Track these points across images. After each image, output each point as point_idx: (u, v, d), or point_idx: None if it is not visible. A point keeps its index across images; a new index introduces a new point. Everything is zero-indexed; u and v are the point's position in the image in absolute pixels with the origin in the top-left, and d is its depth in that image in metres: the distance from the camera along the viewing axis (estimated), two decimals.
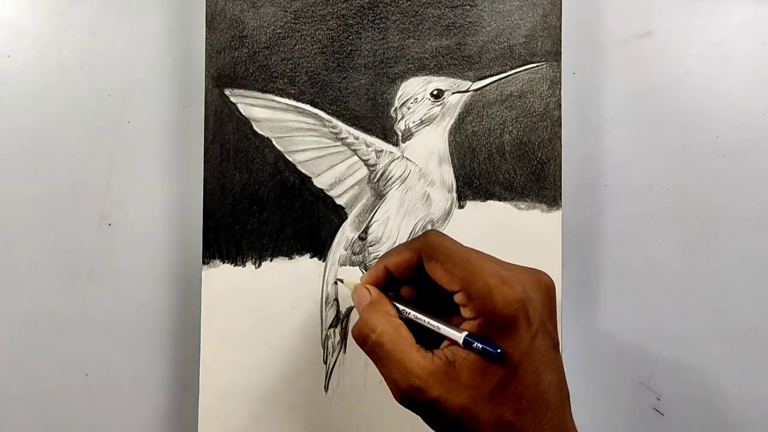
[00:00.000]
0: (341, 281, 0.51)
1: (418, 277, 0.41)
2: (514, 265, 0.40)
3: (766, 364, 0.56)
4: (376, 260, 0.44)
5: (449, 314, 0.40)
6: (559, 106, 0.52)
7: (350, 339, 0.51)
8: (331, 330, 0.51)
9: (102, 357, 0.53)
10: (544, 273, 0.40)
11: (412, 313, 0.40)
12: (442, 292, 0.39)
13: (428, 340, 0.39)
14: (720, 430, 0.56)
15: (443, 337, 0.39)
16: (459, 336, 0.38)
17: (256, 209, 0.51)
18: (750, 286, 0.56)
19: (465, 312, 0.38)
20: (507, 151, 0.52)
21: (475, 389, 0.36)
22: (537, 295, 0.38)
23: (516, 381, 0.36)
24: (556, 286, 0.40)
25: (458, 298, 0.38)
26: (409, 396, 0.37)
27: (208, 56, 0.51)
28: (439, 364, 0.37)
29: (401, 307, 0.41)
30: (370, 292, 0.42)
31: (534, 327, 0.37)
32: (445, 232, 0.51)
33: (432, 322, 0.39)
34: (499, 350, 0.36)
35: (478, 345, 0.37)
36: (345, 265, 0.51)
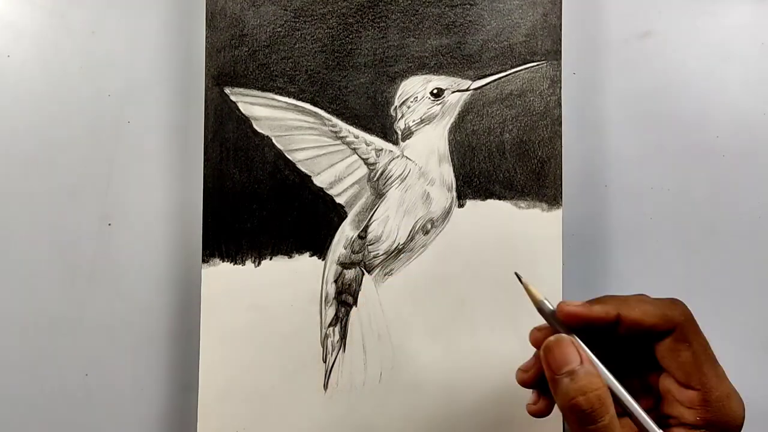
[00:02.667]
0: (521, 279, 0.42)
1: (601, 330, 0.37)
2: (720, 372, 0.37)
3: (767, 364, 0.56)
4: (607, 298, 0.39)
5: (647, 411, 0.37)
6: (560, 104, 0.52)
7: (350, 338, 0.51)
8: (331, 329, 0.51)
9: (102, 357, 0.53)
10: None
11: (613, 385, 0.36)
12: (635, 353, 0.37)
13: None
14: None
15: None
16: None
17: (256, 208, 0.51)
18: (750, 286, 0.56)
19: (689, 414, 0.36)
20: (507, 149, 0.52)
21: None
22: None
23: None
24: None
25: (690, 396, 0.36)
26: None
27: (208, 55, 0.51)
28: None
29: (602, 371, 0.36)
30: (580, 356, 0.36)
31: None
32: (445, 231, 0.51)
33: (637, 409, 0.36)
34: None
35: None
36: (345, 263, 0.51)
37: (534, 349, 0.40)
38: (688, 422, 0.35)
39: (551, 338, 0.36)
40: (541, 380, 0.39)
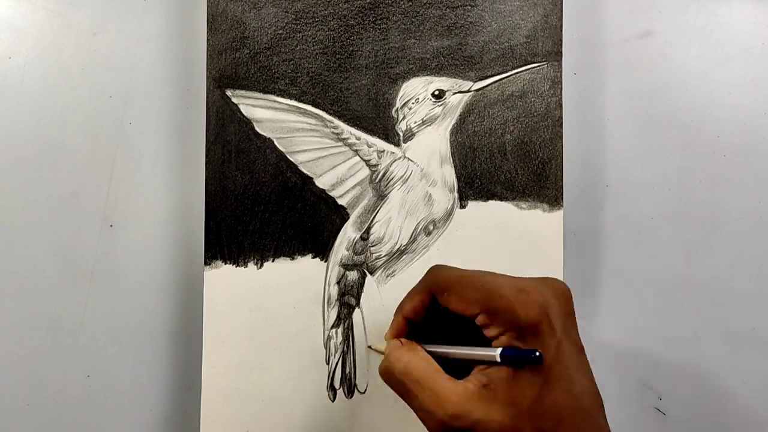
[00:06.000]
0: (370, 347, 0.51)
1: (438, 318, 0.41)
2: (528, 277, 0.39)
3: (767, 364, 0.56)
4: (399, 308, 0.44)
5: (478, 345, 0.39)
6: (560, 105, 0.52)
7: (352, 339, 0.51)
8: (333, 330, 0.51)
9: (104, 358, 0.53)
10: (559, 280, 0.39)
11: (442, 349, 0.40)
12: (466, 326, 0.39)
13: (457, 376, 0.38)
14: (721, 430, 0.56)
15: (470, 371, 0.38)
16: (495, 352, 0.37)
17: (258, 210, 0.51)
18: (751, 286, 0.56)
19: (489, 331, 0.38)
20: (508, 150, 0.52)
21: (514, 406, 0.36)
22: (555, 301, 0.37)
23: (551, 389, 0.36)
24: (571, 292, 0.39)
25: (480, 320, 0.38)
26: (447, 425, 0.36)
27: (209, 57, 0.51)
28: (473, 388, 0.37)
29: (430, 348, 0.40)
30: (400, 342, 0.41)
31: (558, 332, 0.36)
32: (446, 232, 0.51)
33: (464, 350, 0.39)
34: (537, 353, 0.35)
35: (517, 353, 0.36)
36: (347, 265, 0.51)
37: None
38: (492, 335, 0.38)
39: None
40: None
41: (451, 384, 0.37)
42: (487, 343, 0.38)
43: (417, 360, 0.39)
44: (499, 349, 0.37)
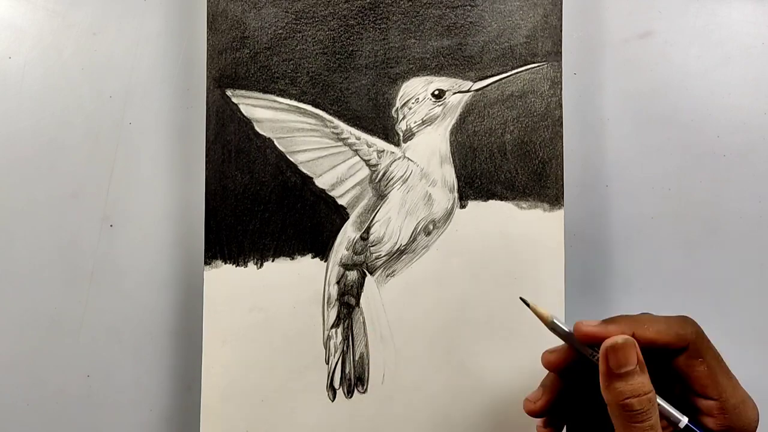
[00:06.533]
0: (531, 306, 0.43)
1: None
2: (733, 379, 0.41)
3: (767, 364, 0.56)
4: (620, 318, 0.41)
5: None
6: (560, 105, 0.52)
7: (352, 339, 0.51)
8: (333, 330, 0.51)
9: (104, 358, 0.53)
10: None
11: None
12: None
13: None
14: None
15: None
16: (683, 419, 0.39)
17: (258, 210, 0.51)
18: (751, 286, 0.56)
19: (709, 421, 0.39)
20: (508, 150, 0.52)
21: None
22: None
23: None
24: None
25: (706, 405, 0.39)
26: None
27: (209, 57, 0.51)
28: None
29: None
30: (638, 359, 0.38)
31: None
32: (446, 232, 0.51)
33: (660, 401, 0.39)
34: None
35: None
36: (347, 265, 0.51)
37: (537, 377, 0.43)
38: (709, 427, 0.39)
39: (618, 338, 0.38)
40: (550, 410, 0.42)
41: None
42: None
43: (655, 401, 0.38)
44: (686, 419, 0.39)
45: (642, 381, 0.37)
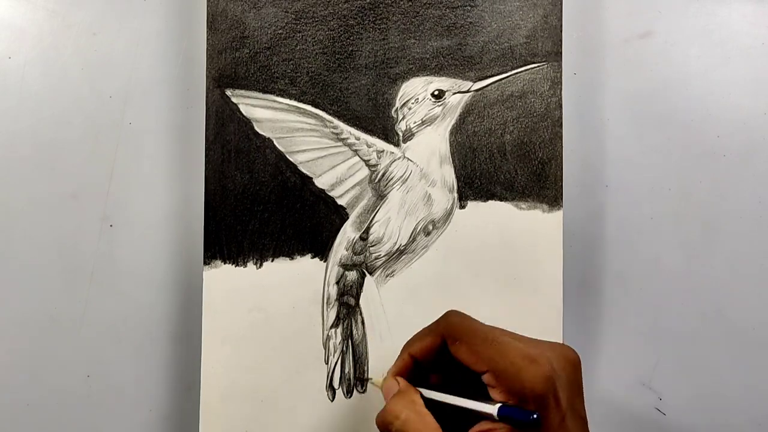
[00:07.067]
0: (370, 380, 0.51)
1: (443, 360, 0.40)
2: (539, 341, 0.39)
3: (767, 364, 0.56)
4: (404, 346, 0.43)
5: (478, 398, 0.39)
6: (560, 106, 0.52)
7: (351, 339, 0.51)
8: (333, 330, 0.51)
9: (103, 358, 0.53)
10: (570, 348, 0.39)
11: (441, 396, 0.39)
12: (469, 375, 0.39)
13: (457, 429, 0.38)
14: (721, 430, 0.56)
15: (472, 425, 0.38)
16: (493, 408, 0.37)
17: (258, 210, 0.51)
18: (751, 286, 0.56)
19: (494, 393, 0.37)
20: (508, 151, 0.52)
21: None
22: (563, 373, 0.37)
23: None
24: (580, 358, 0.39)
25: (486, 378, 0.38)
26: None
27: (209, 57, 0.51)
28: None
29: (428, 393, 0.40)
30: (398, 383, 0.41)
31: (563, 406, 0.36)
32: (446, 232, 0.51)
33: (463, 402, 0.38)
34: (535, 416, 0.35)
35: (515, 413, 0.36)
36: (346, 265, 0.51)
37: None
38: (497, 399, 0.37)
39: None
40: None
41: None
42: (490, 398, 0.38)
43: (414, 416, 0.38)
44: (498, 405, 0.36)
45: (391, 406, 0.39)
